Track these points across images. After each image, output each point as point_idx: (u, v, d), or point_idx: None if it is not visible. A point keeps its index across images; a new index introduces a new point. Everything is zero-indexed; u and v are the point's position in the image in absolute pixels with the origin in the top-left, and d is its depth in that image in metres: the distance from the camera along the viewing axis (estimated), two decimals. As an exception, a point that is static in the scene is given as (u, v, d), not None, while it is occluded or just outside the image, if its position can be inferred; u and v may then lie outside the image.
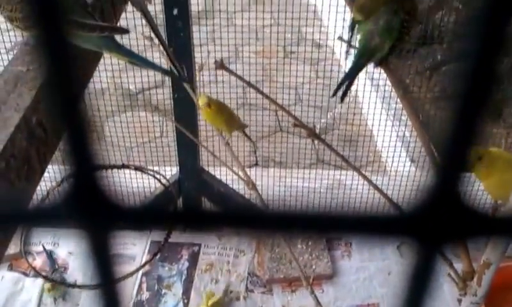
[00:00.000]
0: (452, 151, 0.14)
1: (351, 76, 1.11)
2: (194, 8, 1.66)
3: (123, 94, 2.84)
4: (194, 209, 0.17)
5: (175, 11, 1.57)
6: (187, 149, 1.94)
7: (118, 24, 0.95)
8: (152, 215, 0.16)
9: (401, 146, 2.33)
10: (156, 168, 1.97)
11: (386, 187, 2.13)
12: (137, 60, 0.66)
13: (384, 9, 1.05)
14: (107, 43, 0.62)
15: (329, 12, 2.16)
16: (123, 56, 0.65)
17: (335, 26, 2.14)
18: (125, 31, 0.69)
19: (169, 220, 0.16)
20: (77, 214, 0.15)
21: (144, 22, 0.86)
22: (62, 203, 0.15)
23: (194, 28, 1.69)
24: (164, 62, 1.08)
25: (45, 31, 0.13)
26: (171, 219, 0.16)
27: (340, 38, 1.22)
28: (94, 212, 0.15)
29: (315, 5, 3.50)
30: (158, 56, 1.13)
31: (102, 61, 0.79)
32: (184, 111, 1.79)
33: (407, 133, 2.36)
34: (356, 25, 1.12)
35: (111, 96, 2.60)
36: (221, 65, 1.18)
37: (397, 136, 2.35)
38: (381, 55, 1.09)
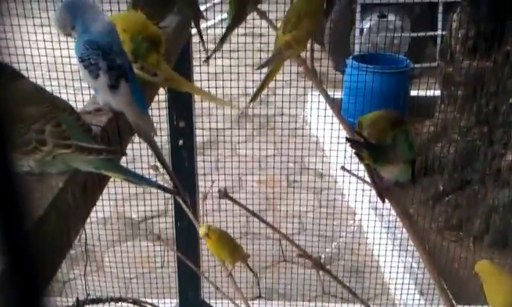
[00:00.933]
0: None
1: None
2: (199, 139, 1.71)
3: (125, 223, 2.83)
4: None
5: (181, 142, 1.61)
6: (188, 281, 1.88)
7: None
8: None
9: (409, 278, 2.25)
10: (155, 300, 1.89)
11: (396, 322, 2.03)
12: (134, 178, 0.66)
13: (396, 134, 1.02)
14: (104, 164, 0.63)
15: (330, 143, 2.21)
16: (120, 174, 0.66)
17: (337, 156, 2.17)
18: (122, 153, 0.71)
19: None
20: None
21: (150, 152, 0.87)
22: None
23: (199, 158, 1.72)
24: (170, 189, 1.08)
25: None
26: None
27: (343, 168, 1.23)
28: None
29: (316, 136, 3.60)
30: (163, 184, 1.13)
31: (105, 190, 0.78)
32: (186, 241, 1.76)
33: (414, 264, 2.30)
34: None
35: (112, 225, 2.58)
36: (224, 194, 1.18)
37: (405, 267, 2.29)
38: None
